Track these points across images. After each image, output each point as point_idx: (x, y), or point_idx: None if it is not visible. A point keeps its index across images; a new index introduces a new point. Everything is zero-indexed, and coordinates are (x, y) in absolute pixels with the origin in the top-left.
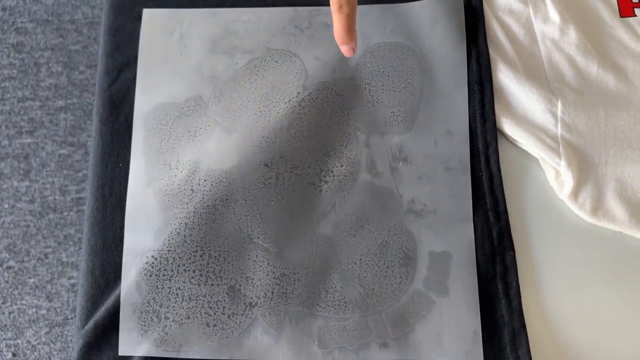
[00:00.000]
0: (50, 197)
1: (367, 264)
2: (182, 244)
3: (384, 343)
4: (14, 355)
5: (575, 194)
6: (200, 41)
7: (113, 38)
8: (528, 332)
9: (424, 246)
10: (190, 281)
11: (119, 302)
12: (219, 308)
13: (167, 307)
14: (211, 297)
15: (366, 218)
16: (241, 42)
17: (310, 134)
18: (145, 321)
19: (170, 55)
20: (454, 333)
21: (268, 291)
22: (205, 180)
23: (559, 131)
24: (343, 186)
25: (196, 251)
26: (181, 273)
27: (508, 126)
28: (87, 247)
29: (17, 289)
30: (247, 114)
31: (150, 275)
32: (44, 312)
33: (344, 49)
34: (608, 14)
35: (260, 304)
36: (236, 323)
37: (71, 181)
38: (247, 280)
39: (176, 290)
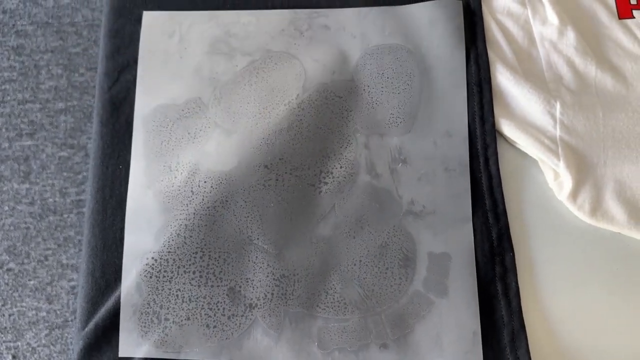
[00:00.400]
0: (50, 199)
1: (366, 265)
2: (182, 246)
3: (383, 344)
4: (14, 357)
5: (574, 195)
6: (200, 43)
7: (113, 40)
8: (527, 333)
9: (424, 247)
10: (190, 282)
11: (119, 303)
12: (219, 309)
13: (167, 308)
14: (211, 299)
15: (366, 219)
16: (241, 44)
17: (309, 135)
18: (145, 322)
19: (170, 57)
20: (454, 334)
21: (268, 292)
22: (205, 182)
23: (557, 132)
24: (343, 187)
25: (196, 253)
26: (181, 274)
27: (507, 128)
28: (87, 248)
29: (17, 291)
30: (246, 116)
31: (151, 277)
32: (44, 314)
33: None
34: (606, 16)
35: (260, 305)
36: (236, 324)
37: (71, 183)
38: (247, 281)
39: (176, 291)
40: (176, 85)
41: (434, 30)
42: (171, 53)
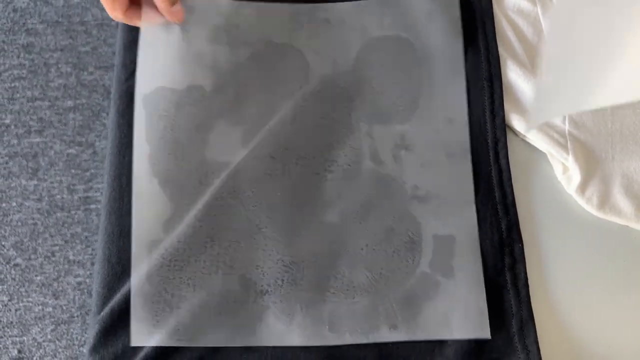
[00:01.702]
0: (58, 196)
1: (373, 249)
2: (192, 235)
3: (393, 325)
4: (19, 352)
5: (583, 188)
6: (202, 29)
7: (130, 32)
8: (536, 323)
9: (429, 230)
10: (201, 271)
11: None
12: (230, 297)
13: (179, 297)
14: (222, 286)
15: (371, 205)
16: (243, 35)
17: (313, 125)
18: (157, 311)
19: (172, 39)
20: (461, 313)
21: (278, 279)
22: (212, 173)
23: (566, 127)
24: (348, 175)
25: (206, 242)
26: (192, 263)
27: (517, 122)
28: (103, 235)
29: (23, 286)
30: (251, 107)
31: (161, 266)
32: (50, 309)
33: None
34: None
35: (271, 291)
36: (248, 311)
37: (79, 180)
38: (257, 268)
39: (187, 280)
40: (177, 69)
41: (432, 21)
42: (173, 35)
